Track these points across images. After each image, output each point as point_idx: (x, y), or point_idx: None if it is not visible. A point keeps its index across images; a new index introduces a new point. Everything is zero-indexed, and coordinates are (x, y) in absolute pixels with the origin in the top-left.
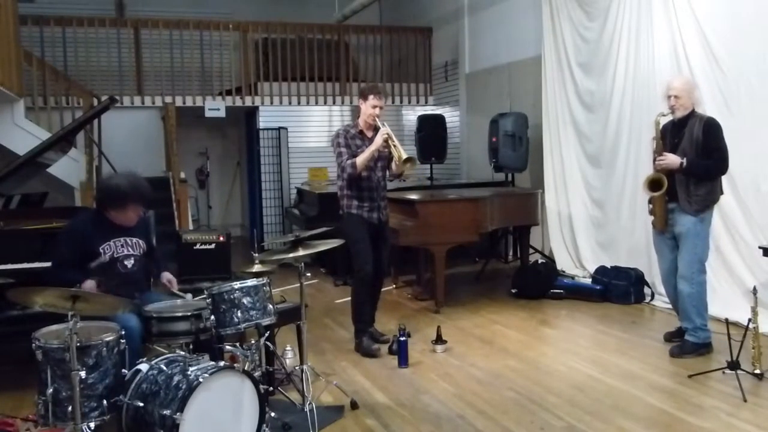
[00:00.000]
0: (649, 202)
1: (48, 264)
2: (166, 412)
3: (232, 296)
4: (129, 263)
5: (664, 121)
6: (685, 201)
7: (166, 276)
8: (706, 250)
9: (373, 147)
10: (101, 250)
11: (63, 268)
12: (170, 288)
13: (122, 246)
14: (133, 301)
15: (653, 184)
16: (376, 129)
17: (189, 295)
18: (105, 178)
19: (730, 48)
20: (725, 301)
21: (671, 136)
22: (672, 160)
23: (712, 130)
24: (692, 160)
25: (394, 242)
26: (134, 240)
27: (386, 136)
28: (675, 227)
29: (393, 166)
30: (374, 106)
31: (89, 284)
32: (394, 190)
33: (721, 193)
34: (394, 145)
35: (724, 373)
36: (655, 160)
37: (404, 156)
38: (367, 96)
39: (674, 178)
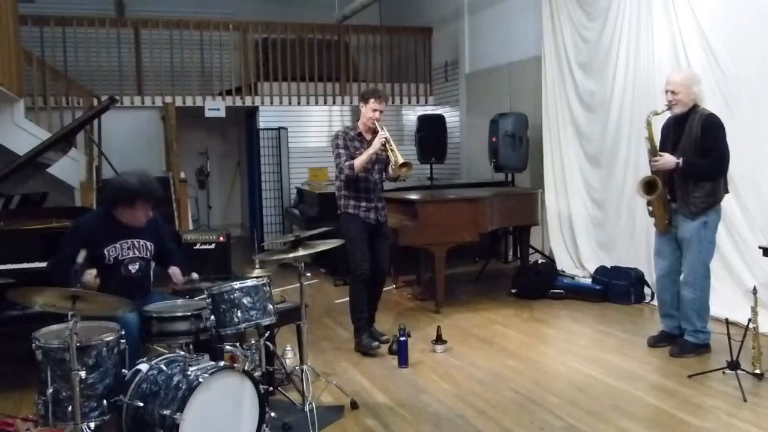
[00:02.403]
0: (648, 204)
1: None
2: (166, 412)
3: (232, 296)
4: (133, 268)
5: (657, 120)
6: (683, 203)
7: (172, 269)
8: (710, 254)
9: (371, 150)
10: (105, 252)
11: (63, 265)
12: (173, 279)
13: (128, 248)
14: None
15: (647, 187)
16: (375, 132)
17: (194, 274)
18: (115, 176)
19: (730, 48)
20: (725, 301)
21: (673, 133)
22: (667, 160)
23: (711, 128)
24: (688, 160)
25: (394, 242)
26: (141, 242)
27: (384, 140)
28: (678, 230)
29: (390, 169)
30: (374, 110)
31: (89, 273)
32: (393, 190)
33: (726, 191)
34: (392, 149)
35: (724, 373)
36: (650, 161)
37: (401, 161)
38: (367, 100)
39: (674, 177)
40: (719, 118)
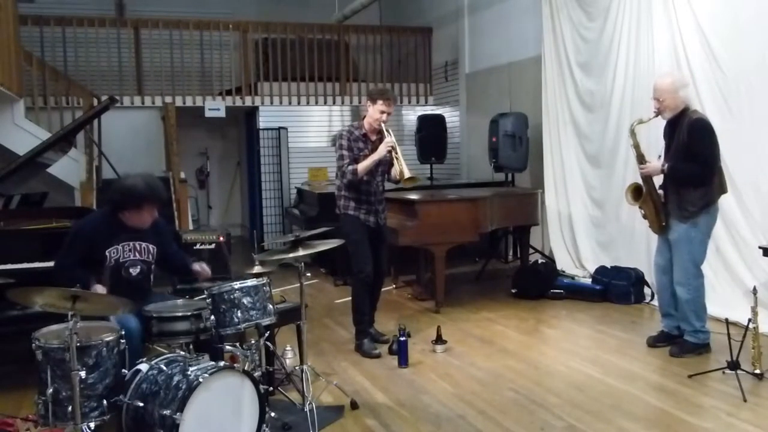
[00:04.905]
0: (640, 207)
1: (50, 263)
2: (166, 412)
3: (232, 296)
4: (134, 271)
5: (651, 124)
6: (675, 206)
7: (197, 267)
8: (701, 254)
9: (375, 156)
10: (107, 254)
11: (67, 266)
12: (203, 276)
13: (130, 251)
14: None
15: (635, 193)
16: (380, 133)
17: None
18: (121, 178)
19: (730, 48)
20: (725, 301)
21: (666, 137)
22: (653, 168)
23: (696, 133)
24: (673, 165)
25: (394, 242)
26: (143, 245)
27: (390, 147)
28: (669, 231)
29: (393, 171)
30: (382, 112)
31: (99, 288)
32: (393, 190)
33: (724, 191)
34: (397, 157)
35: (724, 373)
36: (639, 167)
37: (407, 174)
38: (376, 100)
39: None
40: (708, 122)
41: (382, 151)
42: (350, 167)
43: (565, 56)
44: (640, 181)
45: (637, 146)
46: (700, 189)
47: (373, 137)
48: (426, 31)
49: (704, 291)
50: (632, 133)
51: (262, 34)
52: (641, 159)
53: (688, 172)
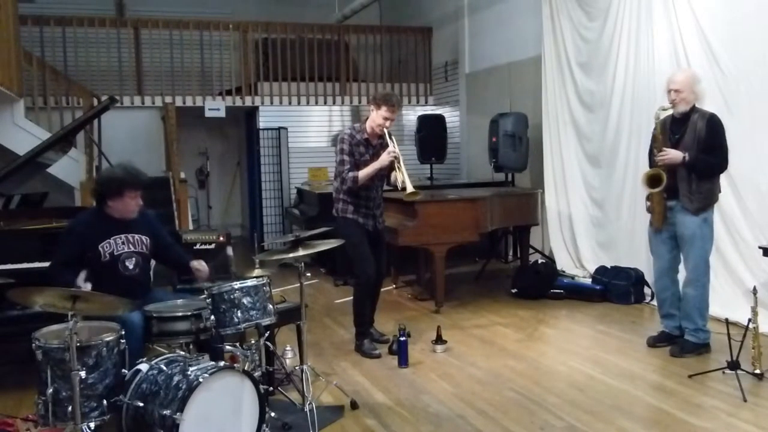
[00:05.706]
0: (647, 199)
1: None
2: (166, 412)
3: (232, 296)
4: (130, 263)
5: (664, 115)
6: (686, 198)
7: (195, 263)
8: (710, 251)
9: (377, 165)
10: (101, 249)
11: (60, 268)
12: (201, 275)
13: (123, 243)
14: (135, 301)
15: (652, 180)
16: (382, 137)
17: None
18: (100, 173)
19: (730, 48)
20: (725, 301)
21: (672, 131)
22: (674, 155)
23: (715, 127)
24: (696, 155)
25: (394, 242)
26: (136, 237)
27: (393, 157)
28: (676, 228)
29: (393, 176)
30: (385, 119)
31: (80, 280)
32: (393, 189)
33: (719, 191)
34: (399, 168)
35: (724, 373)
36: (653, 154)
37: (409, 189)
38: (380, 105)
39: (675, 174)
40: (719, 118)
41: (384, 160)
42: (351, 174)
43: (565, 56)
44: (652, 172)
45: (660, 133)
46: (708, 185)
47: (375, 141)
48: (426, 31)
49: (709, 289)
50: (657, 119)
51: (262, 34)
52: (660, 147)
53: (710, 163)
